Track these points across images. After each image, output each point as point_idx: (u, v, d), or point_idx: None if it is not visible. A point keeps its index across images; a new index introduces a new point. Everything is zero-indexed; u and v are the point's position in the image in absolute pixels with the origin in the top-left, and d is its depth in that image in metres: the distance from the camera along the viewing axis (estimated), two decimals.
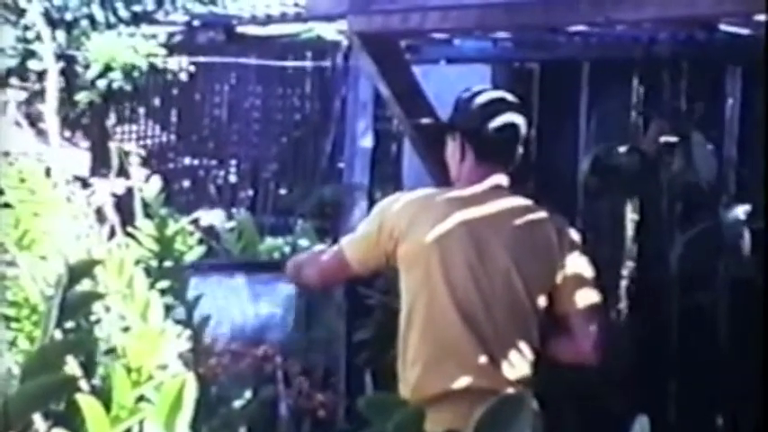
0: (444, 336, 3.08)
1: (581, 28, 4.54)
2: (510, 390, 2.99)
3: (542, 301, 3.13)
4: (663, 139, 4.44)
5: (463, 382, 3.03)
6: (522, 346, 3.09)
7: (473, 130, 3.19)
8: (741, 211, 4.18)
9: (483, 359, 3.05)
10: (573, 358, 3.18)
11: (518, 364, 3.08)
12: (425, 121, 3.95)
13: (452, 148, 3.27)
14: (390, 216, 3.18)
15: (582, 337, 3.11)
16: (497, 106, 3.22)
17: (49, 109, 3.14)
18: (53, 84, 3.31)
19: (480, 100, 3.24)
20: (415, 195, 3.24)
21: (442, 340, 3.08)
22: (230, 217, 6.14)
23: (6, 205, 2.97)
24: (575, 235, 3.23)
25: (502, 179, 3.20)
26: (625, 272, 4.68)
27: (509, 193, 3.20)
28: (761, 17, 3.55)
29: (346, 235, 3.47)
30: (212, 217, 5.48)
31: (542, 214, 3.20)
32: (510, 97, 3.29)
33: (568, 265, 3.15)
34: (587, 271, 3.19)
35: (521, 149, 3.25)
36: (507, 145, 3.22)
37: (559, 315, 3.15)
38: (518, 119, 3.23)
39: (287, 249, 5.69)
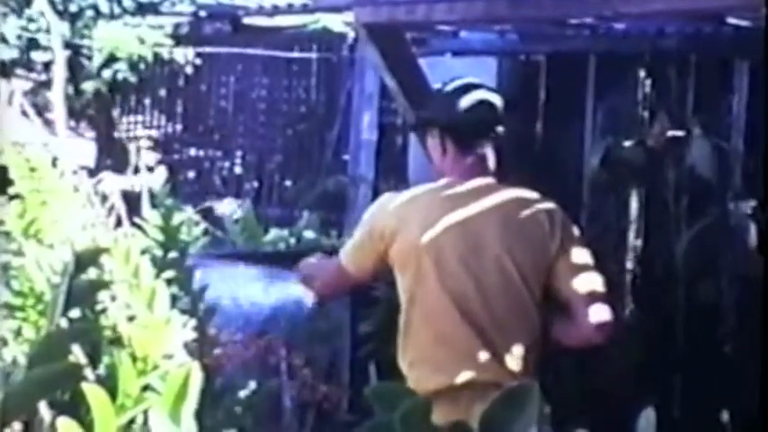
0: (443, 331, 3.07)
1: (588, 21, 4.53)
2: (513, 381, 2.98)
3: (539, 287, 3.11)
4: (669, 133, 4.44)
5: (465, 376, 3.01)
6: (523, 335, 3.08)
7: (447, 119, 3.18)
8: (747, 205, 4.17)
9: (483, 352, 3.04)
10: (577, 341, 3.15)
11: (520, 354, 3.07)
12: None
13: (432, 143, 3.26)
14: (380, 217, 3.18)
15: (584, 319, 3.07)
16: (467, 90, 3.20)
17: (57, 97, 3.14)
18: (60, 72, 3.31)
19: (450, 93, 3.22)
20: (403, 195, 3.23)
21: (440, 336, 3.07)
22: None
23: (11, 196, 2.97)
24: (566, 219, 3.20)
25: (487, 168, 3.18)
26: (630, 266, 4.68)
27: (496, 183, 3.18)
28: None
29: (350, 227, 3.46)
30: (224, 206, 5.49)
31: (532, 201, 3.17)
32: (481, 85, 3.26)
33: (563, 249, 3.12)
34: (583, 253, 3.16)
35: (499, 130, 3.20)
36: (483, 127, 3.17)
37: (560, 300, 3.13)
38: (490, 97, 3.20)
39: (292, 241, 5.71)
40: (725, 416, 3.62)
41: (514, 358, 3.06)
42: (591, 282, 3.12)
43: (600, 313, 3.07)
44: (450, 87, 3.23)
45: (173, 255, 3.65)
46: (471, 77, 3.31)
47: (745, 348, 4.05)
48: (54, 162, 3.05)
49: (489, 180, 3.17)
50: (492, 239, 3.09)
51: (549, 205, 3.20)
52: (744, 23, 4.17)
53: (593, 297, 3.10)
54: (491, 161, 3.18)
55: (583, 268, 3.13)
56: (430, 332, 3.09)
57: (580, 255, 3.15)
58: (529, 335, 3.09)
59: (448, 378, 3.04)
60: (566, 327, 3.13)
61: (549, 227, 3.13)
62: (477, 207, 3.12)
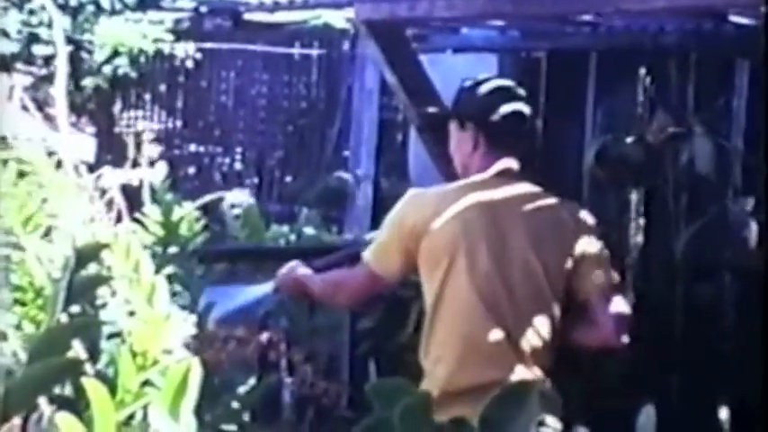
0: (470, 330, 3.04)
1: (589, 17, 4.53)
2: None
3: (561, 287, 3.10)
4: (669, 130, 4.43)
5: (490, 375, 2.96)
6: (545, 335, 3.07)
7: (484, 119, 3.18)
8: (747, 202, 4.17)
9: (508, 351, 3.02)
10: (597, 343, 3.14)
11: (541, 354, 3.06)
12: (433, 110, 3.94)
13: (460, 139, 3.24)
14: (411, 213, 3.14)
15: (604, 321, 3.07)
16: (505, 94, 3.22)
17: (59, 92, 3.14)
18: (63, 67, 3.31)
19: (486, 88, 3.23)
20: (430, 190, 3.22)
21: (468, 335, 3.04)
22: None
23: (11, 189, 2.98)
24: (589, 218, 3.20)
25: (513, 165, 3.19)
26: (630, 263, 4.68)
27: (520, 180, 3.19)
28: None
29: (351, 223, 3.46)
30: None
31: (555, 200, 3.18)
32: (514, 84, 3.29)
33: (585, 248, 3.12)
34: (604, 253, 3.16)
35: (529, 135, 3.25)
36: (518, 132, 3.20)
37: (580, 300, 3.12)
38: (525, 106, 3.23)
39: (292, 237, 5.70)
40: (724, 412, 3.62)
41: (537, 358, 3.05)
42: (611, 283, 3.12)
43: (621, 316, 3.08)
44: (488, 87, 3.23)
45: (173, 250, 3.66)
46: (504, 79, 3.33)
47: (744, 345, 4.05)
48: (54, 157, 3.05)
49: (514, 178, 3.17)
50: (521, 237, 3.08)
51: (571, 204, 3.21)
52: (745, 21, 4.17)
53: (615, 302, 3.10)
54: (519, 158, 3.19)
55: (603, 268, 3.12)
56: (457, 330, 3.06)
57: (601, 254, 3.15)
58: (550, 335, 3.08)
59: (473, 377, 3.00)
60: (586, 329, 3.12)
61: (573, 226, 3.14)
62: (507, 203, 3.11)
